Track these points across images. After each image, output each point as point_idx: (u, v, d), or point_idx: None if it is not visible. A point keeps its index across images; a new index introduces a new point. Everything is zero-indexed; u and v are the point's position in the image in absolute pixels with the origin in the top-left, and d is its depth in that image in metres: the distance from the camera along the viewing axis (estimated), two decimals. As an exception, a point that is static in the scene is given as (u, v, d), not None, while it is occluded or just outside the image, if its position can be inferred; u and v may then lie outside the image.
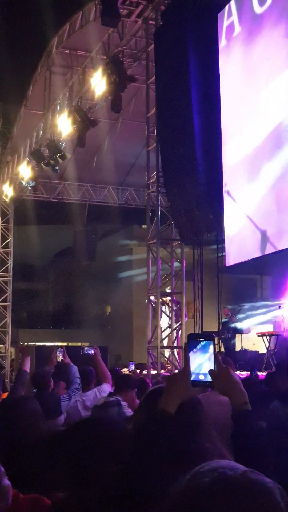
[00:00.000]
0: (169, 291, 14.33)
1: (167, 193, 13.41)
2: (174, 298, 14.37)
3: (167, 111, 12.90)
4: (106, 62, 14.03)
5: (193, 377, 2.00)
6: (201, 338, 2.03)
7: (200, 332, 14.96)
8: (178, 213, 12.96)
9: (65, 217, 23.76)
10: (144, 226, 14.58)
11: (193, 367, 2.01)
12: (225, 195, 11.53)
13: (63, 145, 16.87)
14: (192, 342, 2.03)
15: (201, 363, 2.01)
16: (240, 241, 11.38)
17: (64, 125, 15.70)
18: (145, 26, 14.15)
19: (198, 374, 2.00)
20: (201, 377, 2.00)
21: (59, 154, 16.73)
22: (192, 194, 12.14)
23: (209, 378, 1.99)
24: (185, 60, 12.13)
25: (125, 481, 1.79)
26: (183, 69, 12.15)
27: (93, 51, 15.38)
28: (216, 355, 2.00)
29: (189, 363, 2.00)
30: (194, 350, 2.02)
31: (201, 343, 2.02)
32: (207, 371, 2.00)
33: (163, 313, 14.00)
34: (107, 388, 6.58)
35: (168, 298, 14.55)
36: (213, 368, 1.97)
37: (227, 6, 11.78)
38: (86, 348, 6.97)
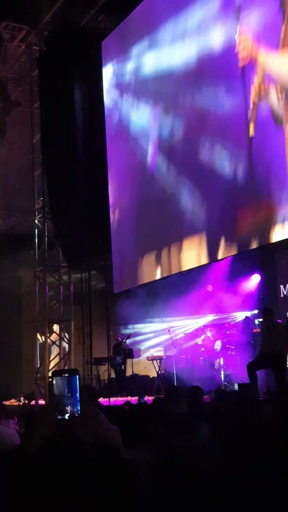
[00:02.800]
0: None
1: (53, 219, 13.28)
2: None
3: (52, 136, 12.81)
4: (-11, 86, 13.79)
5: (58, 414, 1.96)
6: (66, 374, 2.00)
7: (89, 358, 14.83)
8: (65, 239, 12.84)
9: None
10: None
11: (58, 403, 1.97)
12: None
13: None
14: (56, 378, 2.00)
15: (66, 399, 1.98)
16: (127, 267, 11.42)
17: None
18: (29, 51, 14.07)
19: (63, 410, 1.97)
20: (67, 415, 1.96)
21: None
22: (78, 220, 12.09)
23: (75, 414, 1.95)
24: (68, 86, 12.16)
25: None
26: (67, 95, 12.17)
27: (-24, 74, 15.07)
28: (81, 391, 1.98)
29: (52, 399, 1.97)
30: (59, 386, 1.99)
31: (66, 378, 2.00)
32: (73, 407, 1.96)
33: (51, 341, 13.72)
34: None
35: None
36: (78, 401, 1.96)
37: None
38: None
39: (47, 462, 1.87)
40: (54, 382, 1.99)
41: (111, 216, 11.73)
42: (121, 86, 11.70)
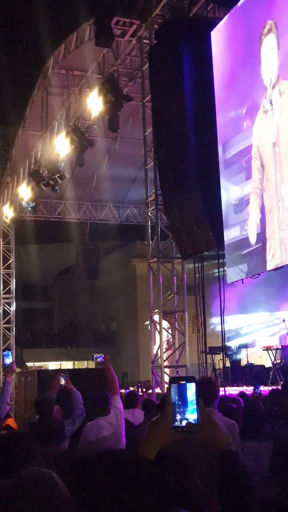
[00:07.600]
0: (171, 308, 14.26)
1: (166, 211, 13.39)
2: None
3: (163, 129, 12.91)
4: (102, 82, 14.09)
5: (175, 422, 1.97)
6: (183, 381, 2.01)
7: (204, 347, 14.91)
8: (177, 231, 12.93)
9: (67, 236, 23.79)
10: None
11: (175, 412, 1.98)
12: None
13: (62, 165, 16.89)
14: (173, 385, 2.01)
15: (184, 407, 1.98)
16: (240, 257, 11.34)
17: (62, 145, 15.74)
18: (139, 45, 14.19)
19: (180, 419, 1.97)
20: (184, 422, 1.97)
21: (58, 175, 16.73)
22: (190, 212, 12.12)
23: (192, 423, 1.96)
24: (179, 78, 12.16)
25: None
26: (178, 87, 12.19)
27: (89, 71, 15.45)
28: (198, 398, 1.97)
29: (170, 407, 1.98)
30: (176, 393, 2.00)
31: (183, 385, 2.00)
32: (189, 415, 1.97)
33: (165, 331, 13.87)
34: (119, 403, 6.70)
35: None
36: (196, 410, 1.95)
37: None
38: (95, 356, 7.85)
39: (160, 472, 1.92)
40: (171, 389, 2.03)
41: (223, 207, 11.68)
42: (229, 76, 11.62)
